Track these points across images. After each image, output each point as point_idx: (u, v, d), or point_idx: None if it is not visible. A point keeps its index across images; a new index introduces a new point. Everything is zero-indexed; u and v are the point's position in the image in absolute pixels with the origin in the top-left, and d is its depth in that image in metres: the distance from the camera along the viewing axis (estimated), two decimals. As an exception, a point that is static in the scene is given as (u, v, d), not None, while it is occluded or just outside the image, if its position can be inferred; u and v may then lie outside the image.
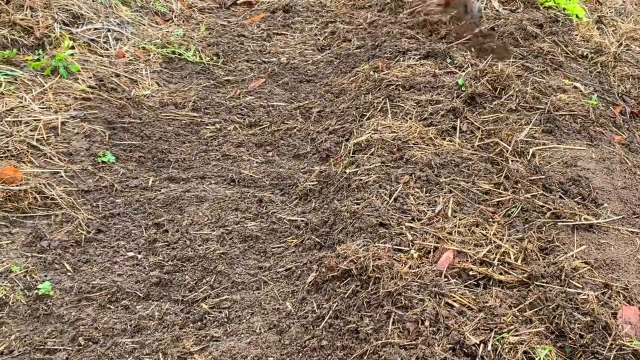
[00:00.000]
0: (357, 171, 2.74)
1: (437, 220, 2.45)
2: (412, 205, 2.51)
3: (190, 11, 4.43)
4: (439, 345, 1.90)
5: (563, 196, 2.59)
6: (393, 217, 2.44)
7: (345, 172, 2.77)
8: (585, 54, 3.85)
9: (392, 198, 2.53)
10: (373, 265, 2.16)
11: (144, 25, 4.09)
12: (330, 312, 2.10)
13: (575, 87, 3.42)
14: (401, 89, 3.29)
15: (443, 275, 2.18)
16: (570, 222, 2.44)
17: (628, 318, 2.04)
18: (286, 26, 4.45)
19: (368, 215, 2.44)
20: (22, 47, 3.48)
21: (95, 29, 3.83)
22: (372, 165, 2.76)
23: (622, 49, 4.03)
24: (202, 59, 3.91)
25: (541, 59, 3.62)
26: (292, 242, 2.54)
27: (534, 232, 2.39)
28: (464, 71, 3.38)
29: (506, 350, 1.89)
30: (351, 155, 2.88)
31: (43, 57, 3.42)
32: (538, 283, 2.14)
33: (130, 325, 2.12)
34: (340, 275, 2.20)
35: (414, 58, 3.59)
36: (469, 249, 2.29)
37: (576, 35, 4.04)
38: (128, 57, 3.71)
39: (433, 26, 3.78)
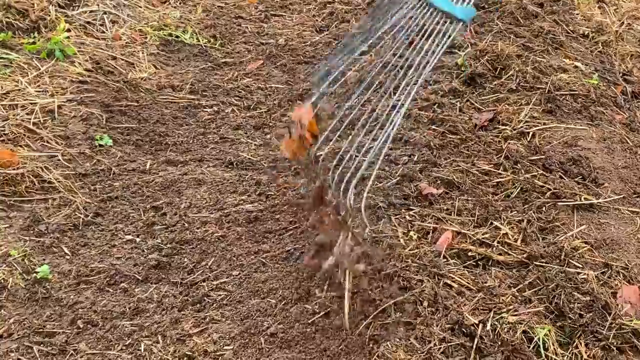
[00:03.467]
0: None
1: (436, 201, 2.43)
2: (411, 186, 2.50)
3: (187, -7, 4.38)
4: (437, 326, 1.90)
5: (563, 176, 2.57)
6: (392, 198, 2.43)
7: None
8: (586, 33, 3.81)
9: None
10: (372, 247, 2.15)
11: (141, 7, 4.05)
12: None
13: (576, 66, 3.39)
14: (399, 69, 3.25)
15: (442, 256, 2.17)
16: (570, 202, 2.43)
17: (628, 297, 2.04)
18: (284, 7, 4.41)
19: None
20: (17, 30, 3.45)
21: (91, 11, 3.79)
22: (370, 146, 2.74)
23: (624, 28, 3.98)
24: (199, 41, 3.87)
25: (542, 39, 3.58)
26: (291, 224, 2.53)
27: (533, 212, 2.38)
28: (463, 51, 3.35)
29: (505, 330, 1.89)
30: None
31: (39, 40, 3.39)
32: (537, 263, 2.14)
33: (129, 308, 2.12)
34: (339, 257, 2.18)
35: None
36: (468, 230, 2.28)
37: (577, 14, 3.99)
38: (124, 40, 3.68)
39: None
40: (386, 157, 2.65)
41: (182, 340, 2.01)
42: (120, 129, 3.02)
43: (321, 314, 2.05)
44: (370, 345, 1.88)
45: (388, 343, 1.87)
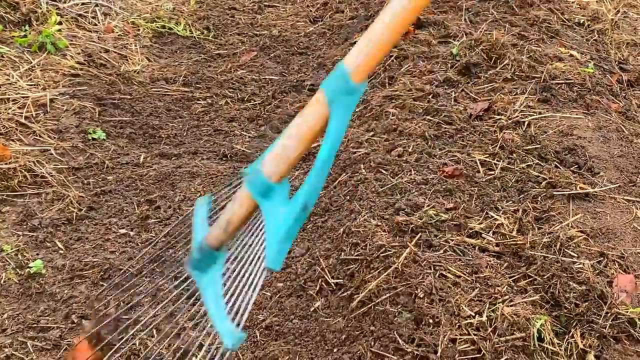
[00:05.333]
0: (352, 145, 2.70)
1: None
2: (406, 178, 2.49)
3: (179, -16, 4.35)
4: (433, 317, 1.89)
5: (559, 165, 2.56)
6: (387, 189, 2.41)
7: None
8: (581, 21, 3.79)
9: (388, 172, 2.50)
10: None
11: (133, -1, 4.02)
12: (325, 285, 2.09)
13: (571, 55, 3.37)
14: (394, 60, 3.24)
15: (437, 247, 2.16)
16: (566, 191, 2.42)
17: (624, 286, 2.04)
18: (278, -2, 4.38)
19: (365, 190, 2.41)
20: (8, 24, 3.41)
21: (82, 3, 3.75)
22: (366, 137, 2.72)
23: (619, 16, 3.96)
24: (192, 32, 3.85)
25: (537, 27, 3.56)
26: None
27: (529, 202, 2.37)
28: (458, 40, 3.33)
29: (501, 321, 1.88)
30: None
31: (30, 34, 3.35)
32: (533, 253, 2.13)
33: (123, 302, 2.11)
34: (334, 249, 2.18)
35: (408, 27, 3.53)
36: (464, 220, 2.27)
37: (573, 2, 3.97)
38: (117, 32, 3.65)
39: None
40: (380, 148, 2.63)
41: (177, 334, 2.00)
42: (114, 122, 2.99)
43: (316, 305, 2.04)
44: (367, 337, 1.88)
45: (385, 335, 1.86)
